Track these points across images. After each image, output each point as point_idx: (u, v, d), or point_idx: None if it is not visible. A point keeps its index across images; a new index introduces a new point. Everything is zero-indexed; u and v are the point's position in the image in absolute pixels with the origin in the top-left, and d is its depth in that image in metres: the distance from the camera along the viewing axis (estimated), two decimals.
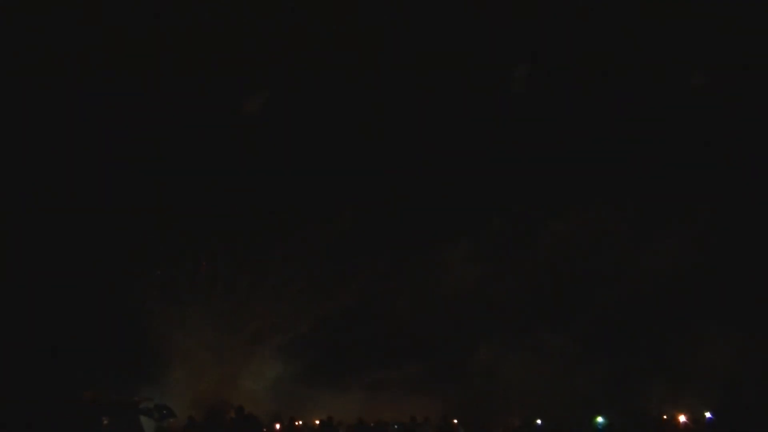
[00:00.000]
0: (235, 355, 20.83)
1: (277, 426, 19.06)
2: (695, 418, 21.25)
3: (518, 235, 22.35)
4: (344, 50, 21.36)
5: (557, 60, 21.78)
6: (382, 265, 21.81)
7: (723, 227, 21.54)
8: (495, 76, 22.08)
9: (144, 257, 20.49)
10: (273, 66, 21.30)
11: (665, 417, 21.46)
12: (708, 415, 21.30)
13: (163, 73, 20.68)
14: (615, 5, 21.21)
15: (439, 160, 22.10)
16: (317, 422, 20.18)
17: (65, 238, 19.73)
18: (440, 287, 22.32)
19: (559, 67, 21.82)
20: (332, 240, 21.68)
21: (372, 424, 19.47)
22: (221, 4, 20.82)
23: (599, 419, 21.33)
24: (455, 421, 20.53)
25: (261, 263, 21.40)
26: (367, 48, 21.34)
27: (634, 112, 21.72)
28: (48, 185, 20.18)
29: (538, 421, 21.29)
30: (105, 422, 18.37)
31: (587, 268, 22.29)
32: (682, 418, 21.27)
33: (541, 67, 22.03)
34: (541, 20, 21.45)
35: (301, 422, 20.20)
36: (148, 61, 20.51)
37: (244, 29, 20.93)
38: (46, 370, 18.41)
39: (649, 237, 22.16)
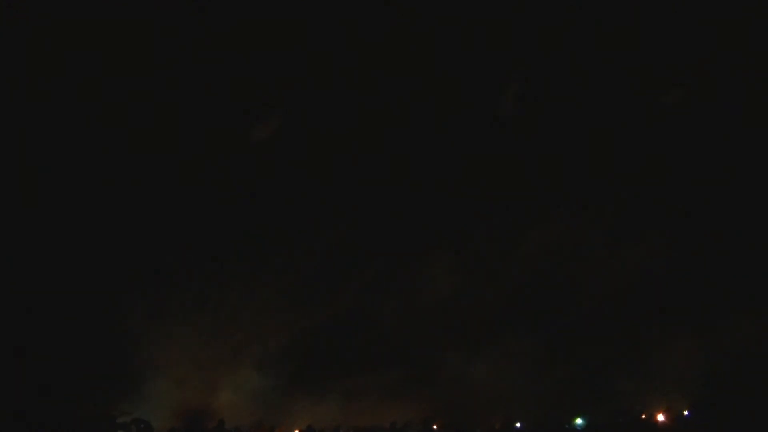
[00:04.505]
0: (217, 367, 20.85)
1: None
2: (674, 416, 21.59)
3: (493, 247, 22.69)
4: (330, 67, 21.61)
5: (538, 74, 22.15)
6: (362, 277, 22.05)
7: (694, 229, 22.03)
8: (478, 91, 22.41)
9: (126, 271, 20.46)
10: (261, 84, 21.48)
11: (644, 416, 21.80)
12: (686, 413, 21.67)
13: (152, 90, 20.79)
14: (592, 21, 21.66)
15: (419, 175, 22.42)
16: (297, 431, 20.27)
17: (44, 251, 19.68)
18: (418, 297, 22.56)
19: (538, 82, 22.18)
20: (315, 255, 21.86)
21: (352, 431, 19.57)
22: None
23: (578, 420, 21.62)
24: (435, 426, 20.69)
25: (245, 278, 21.49)
26: (353, 63, 21.61)
27: (608, 126, 22.19)
28: (32, 196, 20.15)
29: (518, 424, 21.54)
30: None
31: (560, 274, 22.69)
32: (660, 417, 21.60)
33: (522, 82, 22.36)
34: (522, 36, 21.83)
35: (282, 430, 20.30)
36: (141, 69, 20.61)
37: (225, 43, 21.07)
38: (22, 385, 18.30)
39: (619, 239, 22.56)
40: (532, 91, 22.18)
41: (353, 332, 21.71)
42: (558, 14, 21.49)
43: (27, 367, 18.71)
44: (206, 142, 21.28)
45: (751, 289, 21.47)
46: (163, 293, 20.50)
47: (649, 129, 22.18)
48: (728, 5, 20.53)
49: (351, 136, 21.95)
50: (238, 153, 21.56)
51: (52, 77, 20.16)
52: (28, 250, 19.81)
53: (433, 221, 22.30)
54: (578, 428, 21.57)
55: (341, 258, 21.85)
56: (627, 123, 22.14)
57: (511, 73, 22.09)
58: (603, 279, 22.58)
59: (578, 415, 21.63)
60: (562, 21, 21.48)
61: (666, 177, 22.19)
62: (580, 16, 21.46)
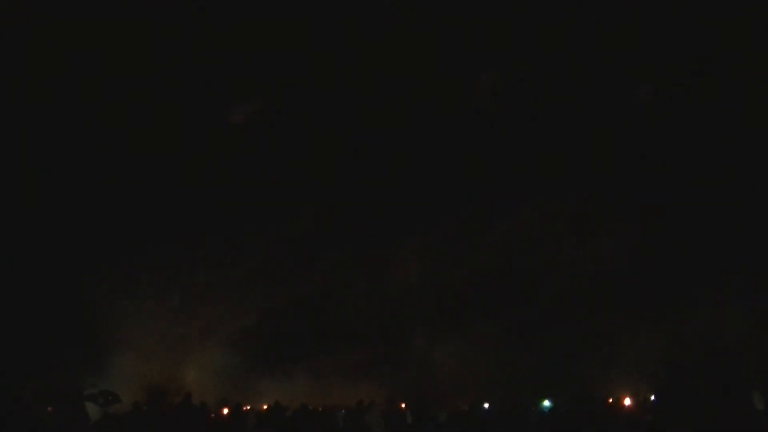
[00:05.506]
0: (185, 344, 21.06)
1: (225, 411, 19.19)
2: (640, 401, 21.75)
3: (462, 232, 23.08)
4: (307, 54, 22.08)
5: (510, 66, 22.69)
6: (331, 259, 22.37)
7: (659, 221, 22.47)
8: (449, 83, 22.92)
9: (93, 248, 20.73)
10: (240, 70, 21.90)
11: (610, 400, 21.95)
12: (652, 397, 21.84)
13: (126, 75, 21.13)
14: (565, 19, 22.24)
15: (389, 161, 22.84)
16: (265, 407, 20.32)
17: (11, 227, 19.87)
18: (386, 280, 22.88)
19: (508, 72, 22.73)
20: (284, 235, 22.18)
21: (320, 409, 19.66)
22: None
23: (545, 402, 21.75)
24: (402, 404, 20.79)
25: (214, 257, 21.77)
26: (329, 52, 22.09)
27: (578, 119, 22.71)
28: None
29: (485, 405, 21.65)
30: (49, 410, 18.24)
31: (527, 260, 23.06)
32: (627, 402, 21.76)
33: (493, 74, 22.88)
34: (493, 32, 22.40)
35: (248, 407, 20.34)
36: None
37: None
38: None
39: (586, 229, 22.98)
40: (502, 83, 22.75)
41: (321, 312, 22.02)
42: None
43: None
44: (184, 126, 21.71)
45: (714, 279, 21.84)
46: (133, 270, 20.81)
47: (618, 123, 22.69)
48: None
49: (322, 123, 22.45)
50: (213, 137, 22.02)
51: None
52: None
53: (401, 206, 22.75)
54: (544, 410, 21.67)
55: (310, 239, 22.25)
56: (597, 116, 22.63)
57: (483, 65, 22.67)
58: (570, 266, 22.96)
59: (544, 398, 21.75)
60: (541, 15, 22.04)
61: (632, 171, 22.67)
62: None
